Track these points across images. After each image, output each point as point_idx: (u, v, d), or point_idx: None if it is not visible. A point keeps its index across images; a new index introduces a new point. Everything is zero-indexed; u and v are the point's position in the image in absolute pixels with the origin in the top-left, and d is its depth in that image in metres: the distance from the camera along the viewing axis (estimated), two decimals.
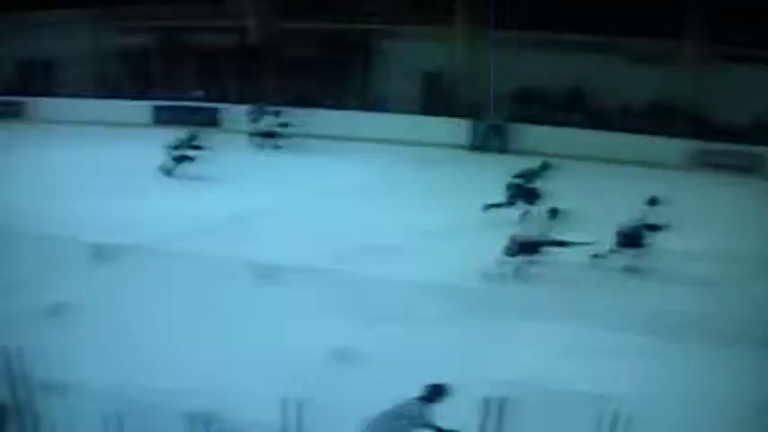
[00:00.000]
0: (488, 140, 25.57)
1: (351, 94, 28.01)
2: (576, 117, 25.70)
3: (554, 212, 14.09)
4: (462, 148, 25.70)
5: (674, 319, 12.01)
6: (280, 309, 11.88)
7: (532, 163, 17.82)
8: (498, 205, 16.92)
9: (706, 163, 23.63)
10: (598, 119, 25.33)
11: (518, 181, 17.27)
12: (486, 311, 12.17)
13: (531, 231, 14.03)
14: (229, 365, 9.93)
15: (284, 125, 25.05)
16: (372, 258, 14.23)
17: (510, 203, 16.97)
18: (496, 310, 12.22)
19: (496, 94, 25.86)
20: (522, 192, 17.10)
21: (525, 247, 13.62)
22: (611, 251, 14.27)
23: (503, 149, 25.30)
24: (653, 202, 14.54)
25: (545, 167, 17.51)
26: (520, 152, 24.20)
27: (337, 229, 16.08)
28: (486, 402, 7.25)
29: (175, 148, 20.97)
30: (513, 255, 13.58)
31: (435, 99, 27.17)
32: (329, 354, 10.10)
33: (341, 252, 14.40)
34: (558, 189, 16.54)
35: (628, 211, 14.40)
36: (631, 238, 14.27)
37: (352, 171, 22.09)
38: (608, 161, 23.30)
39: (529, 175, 17.38)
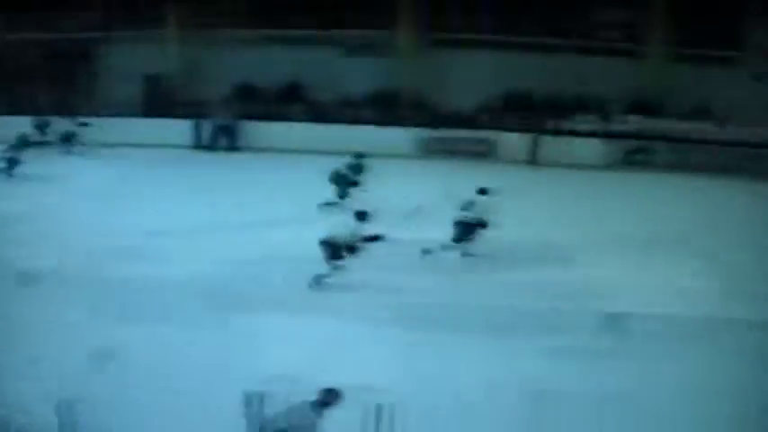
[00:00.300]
0: (217, 139, 24.49)
1: (77, 101, 25.79)
2: (297, 111, 25.41)
3: (361, 215, 13.21)
4: (188, 147, 24.47)
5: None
6: (40, 312, 11.52)
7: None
8: (333, 203, 16.86)
9: (436, 150, 23.78)
10: (320, 112, 25.17)
11: (343, 174, 17.43)
12: (242, 308, 11.98)
13: (340, 231, 13.12)
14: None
15: None
16: (120, 259, 13.91)
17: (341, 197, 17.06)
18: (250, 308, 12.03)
19: (220, 92, 25.20)
20: (348, 183, 17.30)
21: (343, 249, 12.91)
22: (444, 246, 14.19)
23: (232, 148, 24.38)
24: (483, 192, 14.54)
25: (360, 158, 17.84)
26: (249, 149, 23.91)
27: (83, 232, 15.63)
28: (248, 397, 7.50)
29: None
30: (335, 258, 12.89)
31: (157, 101, 25.79)
32: (93, 354, 9.66)
33: (89, 254, 14.09)
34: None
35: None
36: (467, 230, 14.24)
37: (87, 175, 20.93)
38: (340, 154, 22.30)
39: (353, 168, 17.61)
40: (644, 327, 11.51)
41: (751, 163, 23.27)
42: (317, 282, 12.77)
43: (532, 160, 23.20)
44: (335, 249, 12.84)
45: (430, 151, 23.80)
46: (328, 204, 16.77)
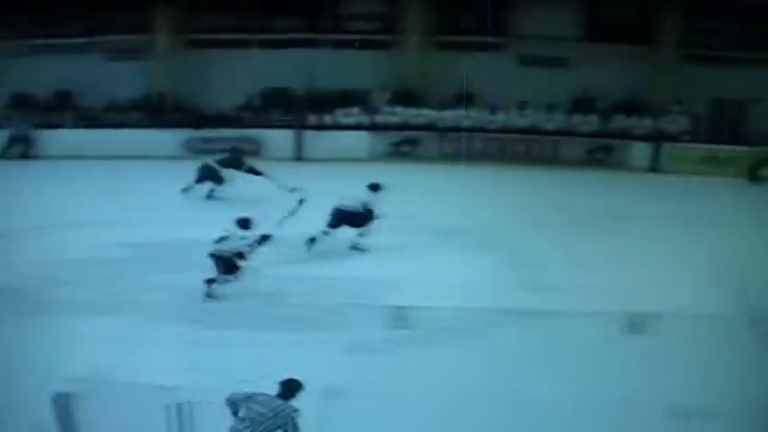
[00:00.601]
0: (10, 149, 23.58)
1: None
2: (69, 118, 24.68)
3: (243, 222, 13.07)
4: None
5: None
6: None
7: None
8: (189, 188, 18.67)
9: (203, 150, 22.75)
10: (90, 118, 24.54)
11: (210, 165, 18.71)
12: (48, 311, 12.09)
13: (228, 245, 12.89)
14: None
15: None
16: None
17: (198, 181, 18.66)
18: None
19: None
20: (211, 174, 18.60)
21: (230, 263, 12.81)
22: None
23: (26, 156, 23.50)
24: (374, 188, 14.97)
25: (236, 152, 19.26)
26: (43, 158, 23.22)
27: None
28: (56, 397, 7.64)
29: None
30: (228, 272, 12.70)
31: None
32: None
33: None
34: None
35: None
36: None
37: None
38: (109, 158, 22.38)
39: (223, 161, 18.71)
40: (431, 320, 11.73)
41: (526, 148, 24.12)
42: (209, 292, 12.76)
43: (299, 156, 23.01)
44: (227, 262, 12.66)
45: (196, 152, 23.07)
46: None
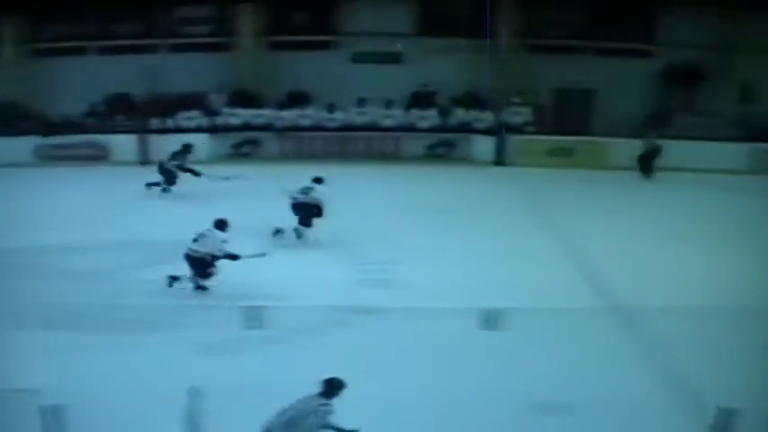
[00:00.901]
0: None
1: None
2: None
3: (220, 223, 13.58)
4: None
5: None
6: None
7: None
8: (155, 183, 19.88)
9: (53, 157, 23.74)
10: None
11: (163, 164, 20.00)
12: None
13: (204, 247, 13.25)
14: None
15: None
16: None
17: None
18: None
19: None
20: (164, 171, 19.89)
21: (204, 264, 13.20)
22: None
23: None
24: (318, 180, 16.19)
25: (188, 147, 20.17)
26: None
27: None
28: None
29: None
30: (203, 276, 13.19)
31: None
32: None
33: None
34: None
35: None
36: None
37: None
38: None
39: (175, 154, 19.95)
40: (282, 319, 12.09)
41: (367, 145, 24.75)
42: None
43: (144, 160, 23.54)
44: (200, 263, 12.97)
45: (47, 158, 23.73)
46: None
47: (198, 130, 24.44)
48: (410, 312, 12.60)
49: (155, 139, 23.65)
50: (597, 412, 9.73)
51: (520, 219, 18.46)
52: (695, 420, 9.54)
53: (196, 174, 19.79)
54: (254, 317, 11.92)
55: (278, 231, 16.04)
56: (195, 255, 13.08)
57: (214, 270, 13.20)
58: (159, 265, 14.12)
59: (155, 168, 20.41)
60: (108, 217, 18.08)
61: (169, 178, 19.93)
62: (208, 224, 13.49)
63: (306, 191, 16.10)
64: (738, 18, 24.88)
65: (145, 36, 25.74)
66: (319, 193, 16.13)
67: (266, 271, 13.79)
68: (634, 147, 23.27)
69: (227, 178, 19.08)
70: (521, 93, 25.07)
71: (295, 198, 16.03)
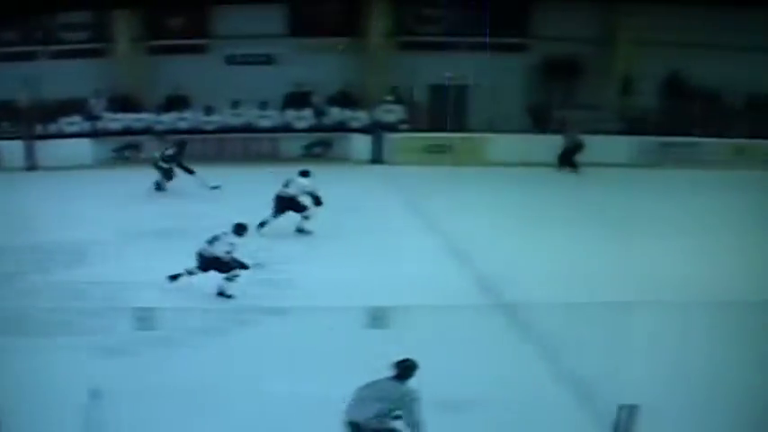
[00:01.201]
0: None
1: None
2: None
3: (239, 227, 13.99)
4: None
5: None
6: None
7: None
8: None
9: None
10: None
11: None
12: None
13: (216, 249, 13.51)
14: None
15: None
16: None
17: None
18: None
19: None
20: (162, 168, 20.94)
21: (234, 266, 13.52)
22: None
23: None
24: (305, 174, 17.07)
25: (183, 144, 21.40)
26: None
27: None
28: None
29: None
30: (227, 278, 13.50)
31: None
32: None
33: None
34: None
35: None
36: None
37: None
38: None
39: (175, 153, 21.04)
40: (174, 320, 12.21)
41: (244, 147, 25.40)
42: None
43: (32, 166, 24.18)
44: (216, 261, 13.24)
45: None
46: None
47: (80, 135, 24.92)
48: (296, 312, 12.74)
49: (40, 145, 24.29)
50: (490, 410, 9.89)
51: (399, 217, 18.90)
52: (595, 417, 9.66)
53: (190, 172, 21.01)
54: (145, 318, 11.99)
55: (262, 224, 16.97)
56: (205, 253, 13.41)
57: (232, 272, 13.44)
58: (62, 269, 14.67)
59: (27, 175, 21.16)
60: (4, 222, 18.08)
61: (167, 175, 21.01)
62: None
63: (288, 183, 16.95)
64: (618, 10, 25.64)
65: (24, 43, 25.92)
66: (303, 185, 16.94)
67: (149, 271, 14.20)
68: (510, 141, 24.22)
69: (216, 187, 20.36)
70: (392, 91, 25.64)
71: (284, 192, 16.88)
